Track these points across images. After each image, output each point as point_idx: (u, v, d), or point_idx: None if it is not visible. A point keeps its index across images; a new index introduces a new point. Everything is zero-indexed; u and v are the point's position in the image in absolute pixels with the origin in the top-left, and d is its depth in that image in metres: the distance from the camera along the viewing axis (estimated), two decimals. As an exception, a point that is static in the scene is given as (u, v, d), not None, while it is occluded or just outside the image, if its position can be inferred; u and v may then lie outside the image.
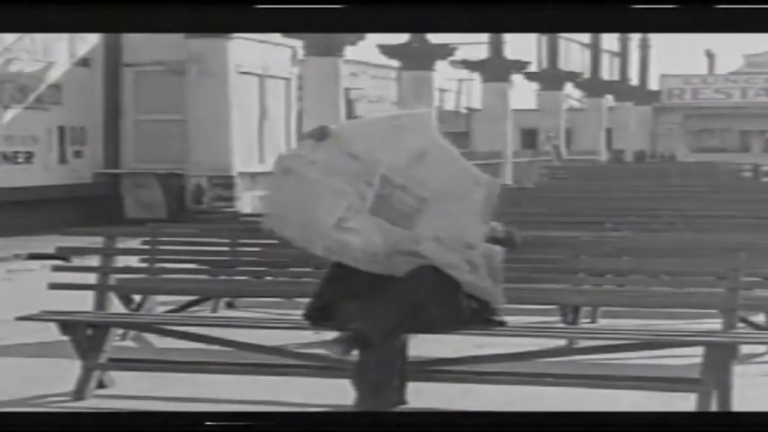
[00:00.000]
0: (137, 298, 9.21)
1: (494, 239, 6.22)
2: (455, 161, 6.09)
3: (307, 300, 6.51)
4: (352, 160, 6.04)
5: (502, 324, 6.31)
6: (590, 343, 6.95)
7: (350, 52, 24.74)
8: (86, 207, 19.96)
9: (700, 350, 6.35)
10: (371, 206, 5.98)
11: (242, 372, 6.98)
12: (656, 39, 49.92)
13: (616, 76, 48.36)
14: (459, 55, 32.07)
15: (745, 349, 7.44)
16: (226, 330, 7.25)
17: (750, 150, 50.81)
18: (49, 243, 11.04)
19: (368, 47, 27.31)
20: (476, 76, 37.14)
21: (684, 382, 6.46)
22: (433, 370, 6.57)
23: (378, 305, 5.92)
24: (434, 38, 28.93)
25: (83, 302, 8.02)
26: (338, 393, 6.33)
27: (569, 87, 43.31)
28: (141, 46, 20.87)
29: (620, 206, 11.16)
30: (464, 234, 5.94)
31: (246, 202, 20.58)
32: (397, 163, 5.98)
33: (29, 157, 19.71)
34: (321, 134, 6.17)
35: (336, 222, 5.91)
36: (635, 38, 49.06)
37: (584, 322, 9.08)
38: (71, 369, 7.21)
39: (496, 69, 34.43)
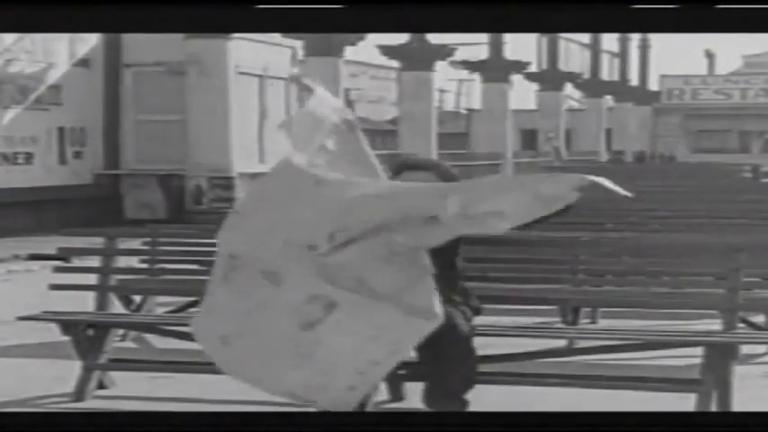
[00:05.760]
0: (137, 299, 9.21)
1: None
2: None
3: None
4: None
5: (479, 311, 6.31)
6: (590, 343, 6.95)
7: (350, 53, 24.77)
8: (86, 208, 19.96)
9: (700, 350, 6.35)
10: None
11: (242, 372, 6.97)
12: (655, 39, 49.99)
13: (616, 77, 48.42)
14: (459, 55, 32.14)
15: (745, 349, 7.44)
16: (226, 331, 7.24)
17: (749, 151, 50.82)
18: (49, 244, 11.02)
19: (368, 47, 27.35)
20: (476, 76, 37.18)
21: (684, 383, 6.46)
22: (433, 370, 6.56)
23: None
24: (434, 38, 28.95)
25: (82, 303, 8.02)
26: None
27: (569, 88, 43.38)
28: (141, 46, 20.87)
29: (620, 206, 11.14)
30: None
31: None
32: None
33: (29, 157, 19.72)
34: None
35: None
36: (635, 38, 49.14)
37: (583, 323, 9.08)
38: (71, 369, 7.21)
39: (496, 70, 34.48)
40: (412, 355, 6.30)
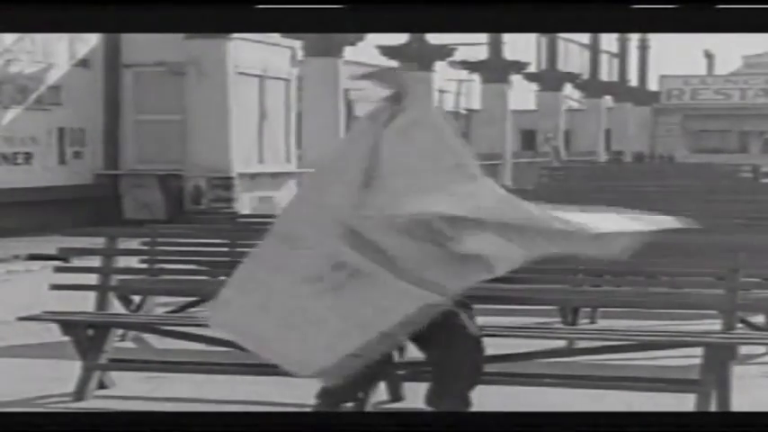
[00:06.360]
0: (136, 299, 9.22)
1: None
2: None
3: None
4: None
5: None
6: (589, 344, 6.96)
7: (349, 53, 24.76)
8: (86, 208, 19.95)
9: (699, 350, 6.35)
10: None
11: (242, 372, 6.99)
12: (655, 39, 49.93)
13: (615, 77, 48.38)
14: (459, 56, 32.11)
15: (744, 350, 7.44)
16: (225, 331, 7.24)
17: (749, 151, 50.80)
18: (49, 244, 11.04)
19: (367, 47, 27.34)
20: (475, 76, 37.16)
21: (684, 383, 6.46)
22: (433, 370, 6.57)
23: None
24: (434, 38, 28.95)
25: (82, 304, 8.02)
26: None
27: (568, 88, 43.34)
28: (141, 46, 20.86)
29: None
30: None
31: (245, 202, 20.58)
32: None
33: (28, 157, 19.70)
34: None
35: None
36: (634, 38, 49.07)
37: (583, 323, 9.09)
38: (71, 369, 7.21)
39: (496, 70, 34.46)
40: (418, 355, 6.31)
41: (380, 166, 5.78)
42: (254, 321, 5.83)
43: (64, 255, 9.01)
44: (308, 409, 6.31)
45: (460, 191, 5.81)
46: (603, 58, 46.91)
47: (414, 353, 6.45)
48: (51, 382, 7.47)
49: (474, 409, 6.06)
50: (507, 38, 34.75)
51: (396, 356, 6.45)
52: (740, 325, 8.04)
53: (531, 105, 42.76)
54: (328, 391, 6.11)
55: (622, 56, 49.13)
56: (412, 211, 5.68)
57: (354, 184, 5.78)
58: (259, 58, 21.85)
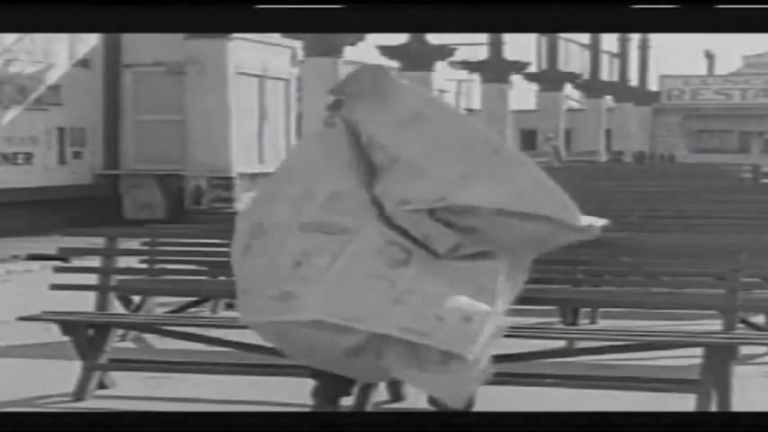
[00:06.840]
0: (136, 299, 9.22)
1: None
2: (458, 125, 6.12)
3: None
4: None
5: None
6: (589, 344, 6.95)
7: (349, 53, 24.76)
8: (86, 208, 19.96)
9: (700, 351, 6.35)
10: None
11: (241, 372, 6.99)
12: (655, 39, 49.95)
13: (616, 77, 48.39)
14: (459, 56, 32.10)
15: (744, 350, 7.44)
16: (225, 331, 7.26)
17: (749, 151, 50.82)
18: (49, 244, 11.03)
19: (367, 47, 27.33)
20: (475, 76, 37.16)
21: (684, 383, 6.46)
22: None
23: None
24: (434, 38, 28.94)
25: (81, 304, 8.02)
26: (338, 393, 6.31)
27: (569, 88, 43.35)
28: (141, 46, 20.87)
29: (620, 206, 11.15)
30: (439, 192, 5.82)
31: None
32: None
33: (28, 157, 19.71)
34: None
35: None
36: (635, 38, 49.09)
37: (583, 323, 9.09)
38: (71, 369, 7.21)
39: (496, 70, 34.46)
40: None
41: (392, 158, 5.84)
42: (349, 305, 5.62)
43: (64, 255, 9.00)
44: (307, 409, 6.31)
45: (501, 177, 5.85)
46: (604, 58, 46.92)
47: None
48: (51, 382, 7.47)
49: (474, 409, 6.05)
50: (507, 38, 34.75)
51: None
52: (741, 325, 8.04)
53: (531, 105, 42.79)
54: (322, 388, 6.11)
55: (623, 56, 49.14)
56: (462, 201, 5.71)
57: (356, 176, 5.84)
58: (259, 58, 21.86)
